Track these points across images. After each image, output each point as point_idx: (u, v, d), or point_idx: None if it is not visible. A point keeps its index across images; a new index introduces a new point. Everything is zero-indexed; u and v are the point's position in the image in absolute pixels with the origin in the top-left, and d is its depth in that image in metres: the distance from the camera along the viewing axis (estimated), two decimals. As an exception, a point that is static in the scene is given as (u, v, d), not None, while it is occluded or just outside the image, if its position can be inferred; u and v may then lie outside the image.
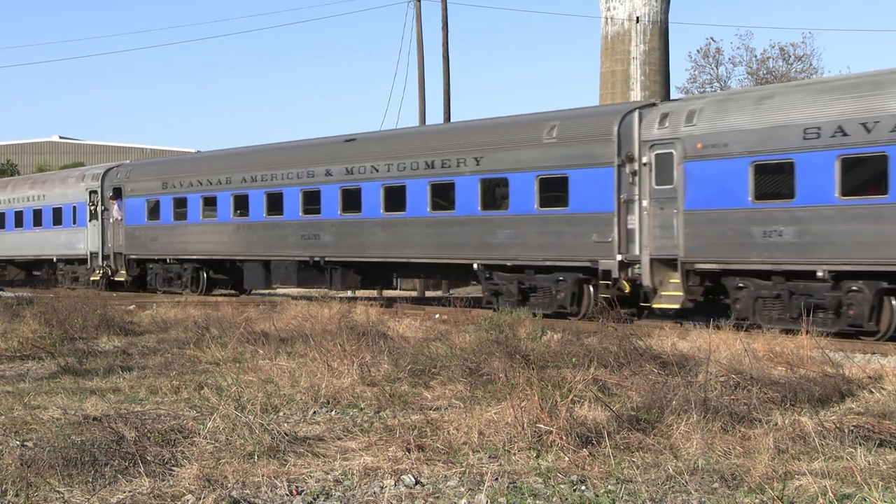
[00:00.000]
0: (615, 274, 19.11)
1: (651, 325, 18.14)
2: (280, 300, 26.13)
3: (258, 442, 8.47)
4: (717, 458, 8.14)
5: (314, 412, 10.39)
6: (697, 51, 59.70)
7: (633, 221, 19.05)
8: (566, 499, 7.20)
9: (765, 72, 49.71)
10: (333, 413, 10.38)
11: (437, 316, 20.84)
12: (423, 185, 22.89)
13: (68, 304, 20.05)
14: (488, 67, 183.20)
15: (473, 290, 29.22)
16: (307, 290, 27.65)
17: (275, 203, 26.99)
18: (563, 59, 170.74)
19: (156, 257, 31.49)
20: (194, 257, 29.91)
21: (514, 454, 8.33)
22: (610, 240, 19.16)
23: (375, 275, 26.49)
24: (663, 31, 41.45)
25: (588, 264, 19.58)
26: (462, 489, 7.41)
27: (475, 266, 21.67)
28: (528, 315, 18.15)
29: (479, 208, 21.68)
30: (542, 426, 8.64)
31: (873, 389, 11.12)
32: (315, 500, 7.23)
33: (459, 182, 22.08)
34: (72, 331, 17.56)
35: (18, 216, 38.76)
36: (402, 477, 7.66)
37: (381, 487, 7.45)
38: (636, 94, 40.11)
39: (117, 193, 33.23)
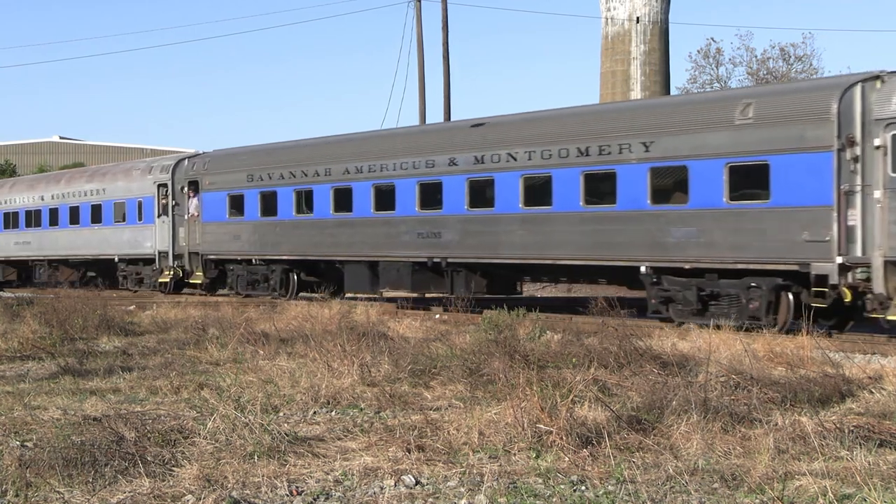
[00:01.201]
0: (833, 279, 16.11)
1: (651, 325, 18.12)
2: (280, 300, 26.08)
3: (258, 442, 8.47)
4: (717, 459, 8.14)
5: (314, 412, 10.39)
6: (698, 51, 59.78)
7: (854, 217, 16.02)
8: (566, 499, 7.20)
9: (765, 72, 49.71)
10: (333, 413, 10.38)
11: (437, 316, 20.84)
12: (573, 176, 19.71)
13: (68, 305, 20.04)
14: (488, 67, 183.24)
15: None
16: (422, 294, 24.78)
17: (385, 197, 23.85)
18: (563, 59, 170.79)
19: (238, 257, 28.27)
20: (285, 257, 26.79)
21: (514, 454, 8.33)
22: (827, 238, 16.14)
23: (505, 278, 23.39)
24: (663, 32, 41.46)
25: (795, 268, 16.68)
26: (462, 489, 7.40)
27: (642, 269, 18.65)
28: (528, 315, 18.08)
29: (649, 202, 18.55)
30: (542, 426, 8.64)
31: (873, 390, 11.11)
32: (315, 500, 7.23)
33: (623, 171, 18.94)
34: (72, 331, 17.56)
35: (74, 212, 35.52)
36: (402, 477, 7.66)
37: (381, 488, 7.45)
38: (636, 95, 40.13)
39: (192, 187, 30.09)
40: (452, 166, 22.21)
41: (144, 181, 32.07)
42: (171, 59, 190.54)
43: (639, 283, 19.37)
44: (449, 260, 22.32)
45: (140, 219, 32.10)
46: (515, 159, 20.83)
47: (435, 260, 22.51)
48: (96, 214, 34.28)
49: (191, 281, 29.94)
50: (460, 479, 7.67)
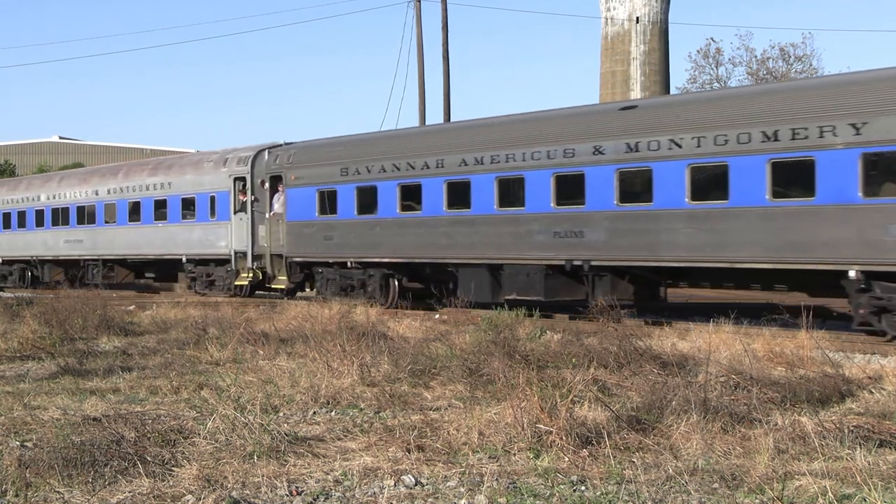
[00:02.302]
0: None
1: (651, 325, 18.12)
2: (280, 300, 26.06)
3: (258, 442, 8.47)
4: (717, 459, 8.14)
5: (314, 412, 10.39)
6: (697, 51, 59.85)
7: None
8: (566, 499, 7.20)
9: (765, 72, 49.74)
10: (333, 413, 10.38)
11: (437, 316, 20.84)
12: (758, 165, 16.94)
13: (68, 305, 20.04)
14: (488, 67, 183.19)
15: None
16: (555, 302, 21.54)
17: (511, 192, 21.14)
18: (563, 59, 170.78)
19: (331, 260, 25.20)
20: (386, 260, 23.76)
21: (514, 454, 8.33)
22: None
23: (654, 284, 20.44)
24: (663, 32, 41.48)
25: None
26: (462, 489, 7.40)
27: (851, 274, 15.94)
28: (525, 315, 18.07)
29: (860, 194, 15.77)
30: (541, 426, 8.63)
31: (873, 389, 11.11)
32: (315, 500, 7.23)
33: (823, 159, 16.22)
34: (72, 331, 17.56)
35: (134, 208, 32.50)
36: (402, 477, 7.65)
37: (381, 488, 7.45)
38: (636, 95, 40.17)
39: (275, 182, 27.06)
40: (598, 155, 19.22)
41: (218, 174, 29.08)
42: (170, 59, 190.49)
43: (837, 289, 16.84)
44: (592, 263, 19.43)
45: (213, 215, 29.09)
46: (680, 146, 17.94)
47: (575, 263, 19.62)
48: (161, 210, 31.29)
49: (273, 286, 27.04)
50: (460, 479, 7.67)
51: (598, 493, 7.29)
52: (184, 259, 30.35)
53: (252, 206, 27.66)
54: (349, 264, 24.71)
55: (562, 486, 7.46)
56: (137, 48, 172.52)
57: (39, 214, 37.15)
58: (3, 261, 39.41)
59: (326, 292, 25.14)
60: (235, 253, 28.30)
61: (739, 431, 8.90)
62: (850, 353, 14.16)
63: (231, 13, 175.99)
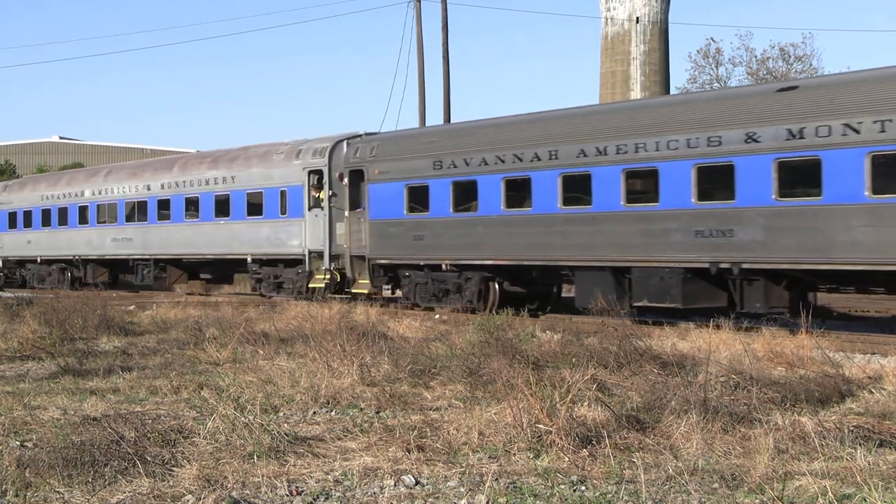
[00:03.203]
0: None
1: (651, 325, 18.11)
2: (280, 300, 26.02)
3: (258, 442, 8.46)
4: (717, 459, 8.14)
5: (314, 412, 10.39)
6: (697, 51, 59.85)
7: None
8: (566, 499, 7.20)
9: (765, 72, 49.75)
10: (333, 413, 10.38)
11: (437, 316, 20.84)
12: None
13: (68, 305, 20.05)
14: (488, 67, 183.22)
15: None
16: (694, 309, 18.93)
17: (642, 185, 18.99)
18: (563, 59, 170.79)
19: (421, 262, 22.89)
20: (488, 262, 21.45)
21: (514, 454, 8.33)
22: None
23: (809, 288, 18.34)
24: (663, 32, 41.49)
25: None
26: (462, 489, 7.40)
27: None
28: (521, 315, 18.02)
29: None
30: (541, 426, 8.63)
31: (873, 389, 11.12)
32: (315, 500, 7.23)
33: None
34: (72, 331, 17.56)
35: (191, 204, 29.99)
36: (402, 477, 7.65)
37: (381, 488, 7.45)
38: (636, 95, 40.17)
39: (355, 176, 24.66)
40: (751, 143, 16.99)
41: (290, 168, 26.49)
42: (170, 59, 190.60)
43: None
44: (744, 265, 17.21)
45: (284, 212, 26.57)
46: (858, 132, 15.61)
47: (722, 265, 17.41)
48: (223, 207, 28.76)
49: (353, 290, 24.36)
50: (460, 479, 7.67)
51: (598, 493, 7.29)
52: (249, 259, 27.91)
53: (330, 203, 25.30)
54: (444, 267, 22.38)
55: (562, 486, 7.46)
56: (138, 48, 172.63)
57: (83, 211, 34.86)
58: (41, 260, 37.26)
59: (415, 297, 23.11)
60: (310, 253, 25.81)
61: (739, 431, 8.90)
62: (850, 353, 14.17)
63: (231, 13, 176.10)
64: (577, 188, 19.72)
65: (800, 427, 8.80)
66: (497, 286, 21.83)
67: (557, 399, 9.11)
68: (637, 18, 40.54)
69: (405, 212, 23.18)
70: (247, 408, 9.49)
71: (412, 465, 8.01)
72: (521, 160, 20.66)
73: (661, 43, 41.17)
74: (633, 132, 18.74)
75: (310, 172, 25.90)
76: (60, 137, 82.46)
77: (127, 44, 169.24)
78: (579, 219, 19.71)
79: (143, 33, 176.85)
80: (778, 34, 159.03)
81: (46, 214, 36.85)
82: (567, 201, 19.82)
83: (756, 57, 50.49)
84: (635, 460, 8.04)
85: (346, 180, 24.79)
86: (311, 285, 25.68)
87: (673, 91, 43.37)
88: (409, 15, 39.65)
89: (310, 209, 25.90)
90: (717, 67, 50.84)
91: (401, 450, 8.43)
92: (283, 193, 26.68)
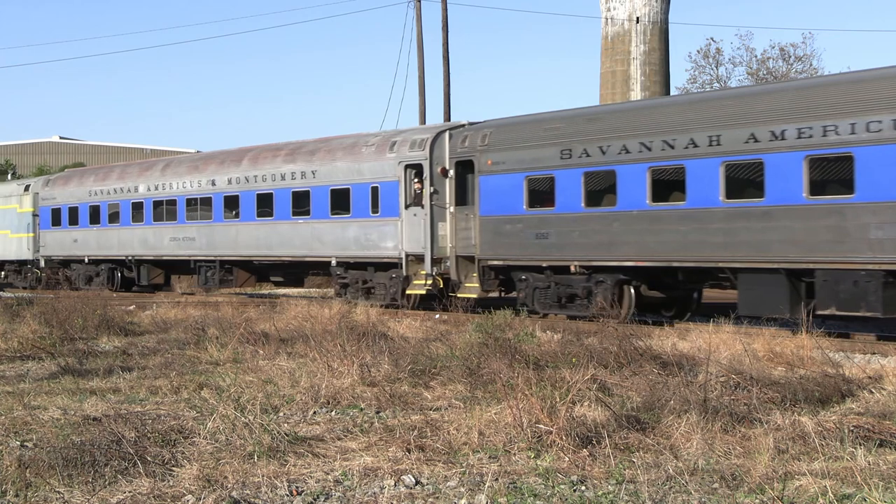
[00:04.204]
0: None
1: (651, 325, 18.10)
2: (280, 300, 26.00)
3: (258, 442, 8.47)
4: (717, 459, 8.14)
5: (314, 412, 10.39)
6: (697, 51, 59.88)
7: None
8: (566, 499, 7.20)
9: (765, 72, 49.76)
10: (333, 413, 10.38)
11: (437, 316, 20.83)
12: None
13: (68, 305, 20.04)
14: (488, 67, 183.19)
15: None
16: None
17: (829, 174, 16.45)
18: (563, 59, 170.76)
19: (544, 264, 20.49)
20: (628, 263, 18.97)
21: (514, 454, 8.33)
22: None
23: None
24: (663, 32, 41.50)
25: None
26: (462, 489, 7.40)
27: None
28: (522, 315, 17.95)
29: None
30: (541, 426, 8.64)
31: (873, 389, 11.12)
32: (315, 500, 7.23)
33: None
34: (72, 331, 17.55)
35: (264, 201, 27.27)
36: (402, 477, 7.66)
37: (381, 488, 7.45)
38: (636, 95, 40.17)
39: (462, 169, 22.43)
40: None
41: (383, 161, 23.99)
42: (171, 59, 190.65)
43: None
44: None
45: (375, 210, 24.05)
46: None
47: None
48: (302, 204, 26.10)
49: (459, 294, 21.57)
50: (460, 479, 7.67)
51: (598, 493, 7.29)
52: (333, 262, 25.20)
53: (432, 199, 22.73)
54: (573, 269, 19.97)
55: (562, 486, 7.46)
56: (138, 48, 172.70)
57: (137, 208, 32.24)
58: (89, 260, 34.67)
59: (535, 304, 20.59)
60: (408, 256, 23.21)
61: (739, 431, 8.90)
62: (850, 353, 14.17)
63: (231, 13, 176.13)
64: (744, 178, 17.41)
65: (800, 427, 8.81)
66: (633, 290, 19.43)
67: (558, 399, 9.11)
68: (637, 18, 40.54)
69: (525, 207, 20.76)
70: (247, 408, 9.49)
71: (412, 465, 8.02)
72: (671, 147, 18.23)
73: (661, 43, 41.18)
74: (820, 113, 16.20)
75: (406, 167, 23.32)
76: (60, 137, 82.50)
77: (127, 44, 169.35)
78: (747, 213, 17.23)
79: (144, 33, 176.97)
80: (778, 34, 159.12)
81: (95, 211, 34.23)
82: (731, 194, 17.41)
83: (756, 57, 50.52)
84: (635, 460, 8.05)
85: (451, 173, 22.52)
86: (409, 292, 23.29)
87: (673, 92, 43.40)
88: (409, 15, 39.72)
89: (407, 207, 23.34)
90: (717, 67, 50.87)
91: (401, 450, 8.44)
92: (374, 190, 24.11)
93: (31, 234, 37.47)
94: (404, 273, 23.30)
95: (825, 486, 7.09)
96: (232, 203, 28.50)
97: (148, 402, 11.21)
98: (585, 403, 9.72)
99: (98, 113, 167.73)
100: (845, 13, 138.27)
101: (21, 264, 38.75)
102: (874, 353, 14.40)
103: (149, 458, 7.97)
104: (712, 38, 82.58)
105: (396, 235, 23.52)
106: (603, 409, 9.46)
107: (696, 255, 18.04)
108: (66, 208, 35.71)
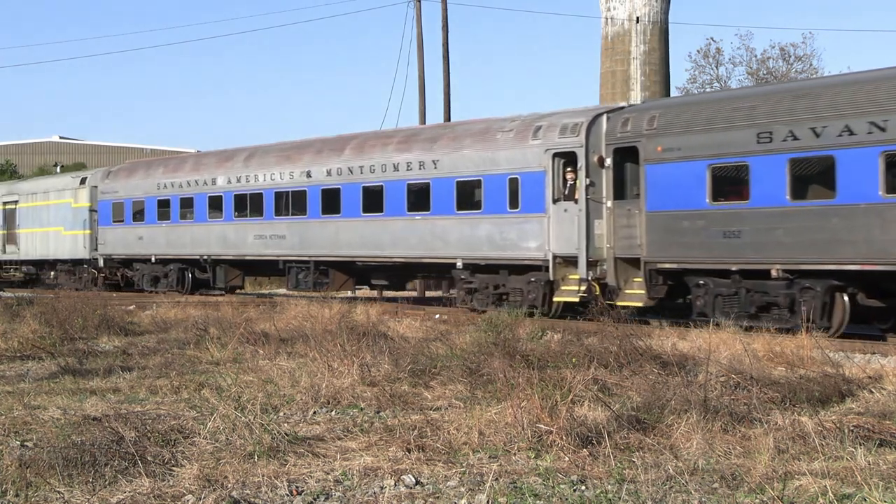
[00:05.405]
0: None
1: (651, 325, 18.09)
2: (280, 300, 25.96)
3: (258, 442, 8.47)
4: (717, 458, 8.15)
5: (314, 412, 10.40)
6: (697, 51, 59.81)
7: None
8: (566, 499, 7.20)
9: (765, 72, 49.75)
10: (333, 413, 10.38)
11: (437, 316, 20.83)
12: None
13: (68, 305, 20.05)
14: (488, 67, 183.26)
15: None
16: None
17: None
18: (563, 59, 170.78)
19: (733, 266, 17.39)
20: (849, 267, 15.99)
21: (514, 454, 8.33)
22: None
23: None
24: (663, 32, 41.47)
25: None
26: (462, 489, 7.41)
27: None
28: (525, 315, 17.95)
29: None
30: (542, 426, 8.64)
31: (873, 389, 11.13)
32: (315, 500, 7.23)
33: None
34: (72, 331, 17.55)
35: (371, 195, 24.40)
36: (402, 477, 7.66)
37: (382, 487, 7.45)
38: (636, 95, 40.15)
39: (622, 157, 19.68)
40: None
41: (524, 149, 21.14)
42: (170, 59, 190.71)
43: None
44: None
45: (514, 205, 21.19)
46: None
47: None
48: (419, 198, 23.25)
49: (619, 302, 18.47)
50: (460, 479, 7.67)
51: (598, 493, 7.29)
52: (459, 264, 22.26)
53: (587, 193, 19.79)
54: (774, 273, 16.85)
55: (562, 486, 7.46)
56: (138, 48, 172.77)
57: (215, 202, 29.20)
58: (156, 259, 31.80)
59: (715, 312, 17.52)
60: (555, 258, 20.34)
61: (739, 431, 8.90)
62: (850, 353, 14.17)
63: (231, 13, 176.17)
64: None
65: (800, 427, 8.81)
66: (846, 299, 16.47)
67: (558, 399, 9.11)
68: (637, 18, 40.53)
69: (707, 200, 17.74)
70: (247, 408, 9.48)
71: (412, 464, 8.02)
72: None
73: (661, 43, 41.15)
74: None
75: (555, 155, 20.44)
76: (60, 137, 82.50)
77: (127, 43, 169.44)
78: None
79: (144, 33, 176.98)
80: (778, 34, 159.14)
81: (164, 206, 31.19)
82: None
83: (756, 57, 50.48)
84: (635, 460, 8.05)
85: (608, 162, 19.62)
86: (557, 299, 20.44)
87: (673, 92, 43.40)
88: (409, 15, 39.63)
89: (554, 201, 20.46)
90: (717, 67, 50.82)
91: (401, 450, 8.44)
92: (512, 182, 21.20)
93: (88, 231, 34.49)
94: (551, 277, 20.41)
95: (825, 486, 7.09)
96: (331, 197, 25.48)
97: (148, 402, 11.21)
98: (586, 403, 9.72)
99: (98, 113, 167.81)
100: (845, 13, 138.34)
101: (75, 264, 35.69)
102: (874, 353, 14.41)
103: (149, 458, 7.97)
104: (712, 38, 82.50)
105: (541, 234, 20.63)
106: (603, 409, 9.46)
107: None
108: (130, 202, 32.63)
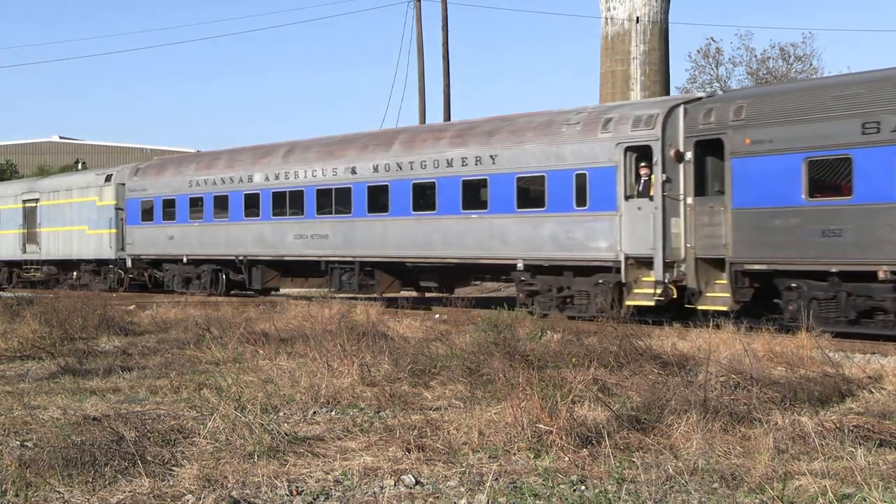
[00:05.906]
0: None
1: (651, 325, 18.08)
2: (280, 300, 25.98)
3: (258, 442, 8.47)
4: (717, 458, 8.15)
5: (314, 412, 10.40)
6: (697, 51, 59.72)
7: None
8: (566, 499, 7.20)
9: (765, 72, 49.75)
10: (333, 413, 10.38)
11: (437, 316, 20.83)
12: None
13: (68, 305, 20.05)
14: (488, 67, 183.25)
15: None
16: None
17: None
18: (563, 59, 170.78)
19: (833, 268, 16.18)
20: None
21: (514, 454, 8.33)
22: None
23: None
24: (663, 32, 41.46)
25: None
26: (462, 489, 7.41)
27: None
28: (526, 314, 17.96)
29: None
30: (542, 426, 8.64)
31: (873, 389, 11.13)
32: (315, 500, 7.23)
33: None
34: (72, 331, 17.56)
35: (422, 192, 23.11)
36: (402, 477, 7.66)
37: (381, 487, 7.45)
38: (636, 95, 40.15)
39: (703, 150, 18.28)
40: None
41: (593, 142, 19.82)
42: (170, 59, 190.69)
43: None
44: None
45: (582, 202, 19.89)
46: None
47: None
48: (475, 196, 22.06)
49: (700, 307, 17.86)
50: (460, 478, 7.67)
51: (598, 493, 7.29)
52: (519, 265, 21.01)
53: (663, 189, 18.51)
54: (881, 275, 15.46)
55: (562, 486, 7.46)
56: (137, 48, 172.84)
57: (252, 200, 27.86)
58: (188, 260, 30.46)
59: (809, 317, 15.99)
60: (628, 259, 19.04)
61: (739, 431, 8.91)
62: (850, 353, 14.17)
63: (231, 13, 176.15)
64: None
65: (800, 427, 8.81)
66: None
67: (558, 399, 9.12)
68: (637, 18, 40.52)
69: (804, 196, 16.43)
70: (247, 408, 9.49)
71: (412, 464, 8.02)
72: None
73: (661, 43, 41.14)
74: None
75: (627, 149, 19.19)
76: (60, 137, 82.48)
77: (126, 44, 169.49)
78: None
79: (144, 33, 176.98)
80: (778, 34, 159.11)
81: (197, 204, 29.85)
82: None
83: (756, 57, 50.49)
84: (635, 460, 8.05)
85: (687, 156, 18.32)
86: (630, 303, 18.84)
87: (673, 92, 43.39)
88: (409, 14, 39.64)
89: (626, 198, 19.18)
90: (717, 67, 50.82)
91: (401, 450, 8.44)
92: (579, 178, 19.95)
93: (114, 231, 33.06)
94: (622, 279, 19.11)
95: (825, 486, 7.09)
96: (378, 194, 24.16)
97: (148, 402, 11.22)
98: (586, 403, 9.72)
99: (98, 113, 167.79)
100: (845, 13, 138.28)
101: (100, 264, 34.31)
102: (874, 353, 14.40)
103: (149, 458, 7.98)
104: (712, 38, 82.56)
105: (612, 233, 19.33)
106: (603, 409, 9.46)
107: None
108: (160, 201, 31.23)
